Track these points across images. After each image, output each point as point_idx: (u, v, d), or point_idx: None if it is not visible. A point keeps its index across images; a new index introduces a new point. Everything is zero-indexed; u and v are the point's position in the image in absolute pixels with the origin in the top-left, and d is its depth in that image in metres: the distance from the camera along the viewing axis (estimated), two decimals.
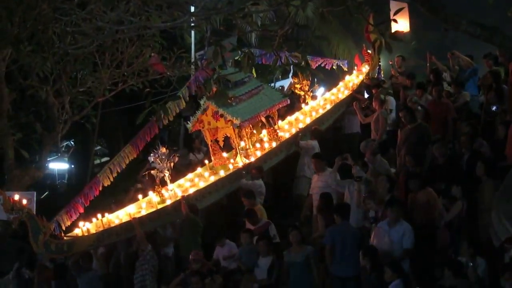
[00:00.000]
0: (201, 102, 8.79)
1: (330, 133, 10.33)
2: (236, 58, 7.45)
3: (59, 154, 12.28)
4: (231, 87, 8.57)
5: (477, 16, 6.83)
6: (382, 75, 11.53)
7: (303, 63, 6.13)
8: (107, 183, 8.92)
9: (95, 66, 10.30)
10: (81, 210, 8.61)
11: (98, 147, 13.86)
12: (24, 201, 7.54)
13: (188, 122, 9.08)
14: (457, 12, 5.95)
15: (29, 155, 11.25)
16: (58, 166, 13.63)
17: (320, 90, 11.81)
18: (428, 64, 11.00)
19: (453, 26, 5.92)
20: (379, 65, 11.51)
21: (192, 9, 5.47)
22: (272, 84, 12.97)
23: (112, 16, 6.26)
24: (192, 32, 11.12)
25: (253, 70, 9.27)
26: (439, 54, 11.22)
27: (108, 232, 7.74)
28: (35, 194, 9.10)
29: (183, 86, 9.51)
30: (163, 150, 8.35)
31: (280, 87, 12.57)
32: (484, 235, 6.24)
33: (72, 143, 14.20)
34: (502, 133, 7.62)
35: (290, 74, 11.99)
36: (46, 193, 13.68)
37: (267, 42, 6.16)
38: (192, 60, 10.67)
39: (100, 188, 8.88)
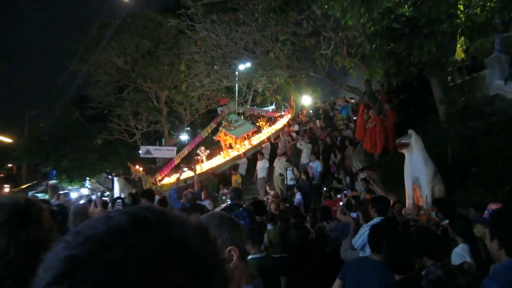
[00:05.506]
0: (220, 128, 17.39)
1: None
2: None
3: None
4: (233, 122, 17.18)
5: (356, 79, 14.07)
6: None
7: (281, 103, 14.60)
8: (178, 161, 17.12)
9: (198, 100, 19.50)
10: (165, 172, 16.73)
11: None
12: (141, 168, 15.60)
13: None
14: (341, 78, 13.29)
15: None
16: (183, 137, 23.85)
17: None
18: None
19: (339, 86, 13.19)
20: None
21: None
22: (266, 108, 22.04)
23: (206, 82, 13.97)
24: (236, 86, 19.54)
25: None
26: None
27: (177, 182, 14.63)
28: (175, 149, 17.58)
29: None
30: (203, 148, 16.86)
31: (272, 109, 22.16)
32: (349, 168, 12.94)
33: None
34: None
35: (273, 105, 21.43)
36: None
37: (264, 93, 14.51)
38: (236, 100, 19.54)
39: (176, 163, 17.02)
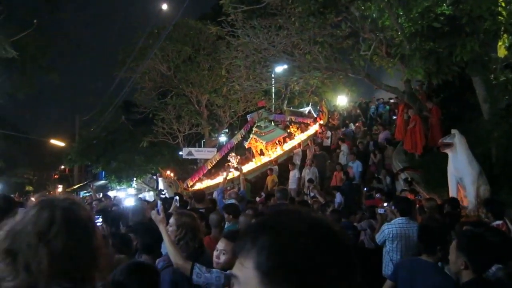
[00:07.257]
0: (250, 135, 17.41)
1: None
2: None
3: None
4: (263, 128, 17.01)
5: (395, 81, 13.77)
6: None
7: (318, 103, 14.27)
8: (209, 166, 17.47)
9: (237, 103, 19.72)
10: (196, 178, 16.98)
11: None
12: (172, 174, 15.87)
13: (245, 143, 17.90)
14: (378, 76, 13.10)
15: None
16: (223, 138, 24.33)
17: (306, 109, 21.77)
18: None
19: (378, 86, 12.99)
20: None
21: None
22: (303, 109, 21.79)
23: (246, 85, 14.13)
24: (273, 88, 20.08)
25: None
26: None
27: (208, 187, 15.15)
28: (215, 150, 18.14)
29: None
30: (233, 154, 16.91)
31: (309, 111, 21.54)
32: (389, 167, 12.82)
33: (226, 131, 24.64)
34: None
35: (310, 106, 20.98)
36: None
37: (302, 95, 14.29)
38: (273, 102, 19.47)
39: (207, 169, 17.43)
